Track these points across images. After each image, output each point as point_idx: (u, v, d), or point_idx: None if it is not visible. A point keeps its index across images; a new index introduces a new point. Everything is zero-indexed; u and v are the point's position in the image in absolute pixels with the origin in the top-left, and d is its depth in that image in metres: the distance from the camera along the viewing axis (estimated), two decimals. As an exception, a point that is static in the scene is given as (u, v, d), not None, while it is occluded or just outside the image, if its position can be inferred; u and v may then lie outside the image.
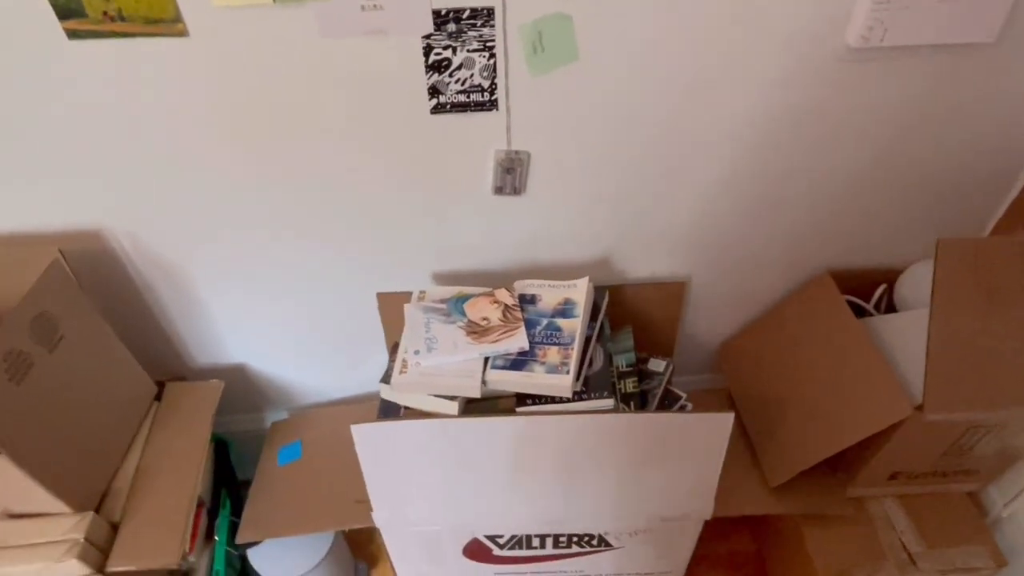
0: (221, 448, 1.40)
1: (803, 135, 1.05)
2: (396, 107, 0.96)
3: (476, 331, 1.04)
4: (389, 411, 1.05)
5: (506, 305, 1.07)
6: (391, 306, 1.23)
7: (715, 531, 1.31)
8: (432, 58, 0.92)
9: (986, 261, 1.05)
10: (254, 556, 1.23)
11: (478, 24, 0.88)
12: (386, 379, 1.03)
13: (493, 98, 0.96)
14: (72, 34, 0.84)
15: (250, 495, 1.28)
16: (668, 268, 1.26)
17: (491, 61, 0.92)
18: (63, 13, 0.82)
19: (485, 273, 1.21)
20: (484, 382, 1.00)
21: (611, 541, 1.19)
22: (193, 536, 1.19)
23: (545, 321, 1.06)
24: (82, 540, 0.97)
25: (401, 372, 1.01)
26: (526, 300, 1.10)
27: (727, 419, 0.99)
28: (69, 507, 0.99)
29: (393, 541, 1.19)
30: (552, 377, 0.98)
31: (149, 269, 1.15)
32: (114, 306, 1.18)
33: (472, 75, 0.94)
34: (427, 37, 0.89)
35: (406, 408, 1.05)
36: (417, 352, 1.01)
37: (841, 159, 1.09)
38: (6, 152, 0.96)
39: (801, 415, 1.20)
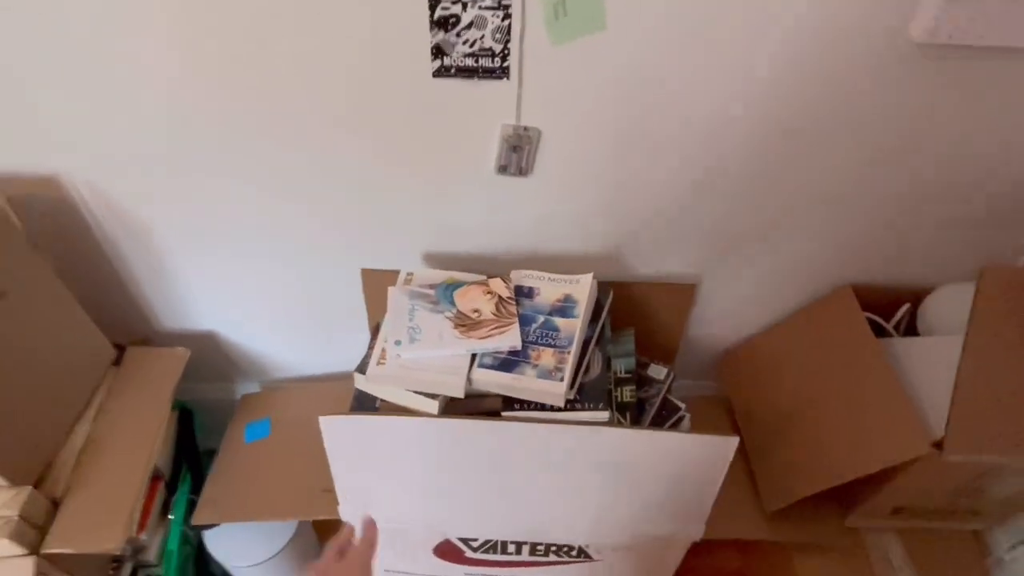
0: (185, 417, 1.31)
1: (838, 137, 0.93)
2: (394, 65, 0.85)
3: (465, 324, 0.94)
4: (363, 403, 0.96)
5: (500, 297, 0.97)
6: (376, 285, 1.13)
7: (700, 546, 1.24)
8: (438, 13, 0.80)
9: (1030, 294, 0.95)
10: (211, 539, 1.16)
11: (494, -23, 0.77)
12: (362, 368, 0.94)
13: (504, 65, 0.85)
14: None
15: (211, 473, 1.20)
16: (678, 267, 1.16)
17: (505, 22, 0.81)
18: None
19: (480, 258, 1.11)
20: (469, 381, 0.91)
21: (591, 554, 1.11)
22: (146, 512, 1.11)
23: (542, 318, 0.96)
24: (16, 517, 0.88)
25: (379, 363, 0.91)
26: (523, 293, 1.00)
27: (730, 444, 0.91)
28: (4, 480, 0.90)
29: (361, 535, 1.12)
30: (544, 383, 0.89)
31: (111, 223, 1.04)
32: (72, 262, 1.07)
33: (483, 36, 0.82)
34: (434, -13, 0.78)
35: (382, 401, 0.95)
36: (398, 342, 0.92)
37: (881, 167, 0.98)
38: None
39: (806, 437, 1.12)
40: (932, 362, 1.08)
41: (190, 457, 1.28)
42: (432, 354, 0.91)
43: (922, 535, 1.18)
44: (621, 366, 1.03)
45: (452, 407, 0.95)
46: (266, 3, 0.79)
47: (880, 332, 1.18)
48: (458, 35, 0.82)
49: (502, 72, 0.86)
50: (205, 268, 1.14)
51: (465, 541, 1.10)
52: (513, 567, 1.16)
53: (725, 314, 1.27)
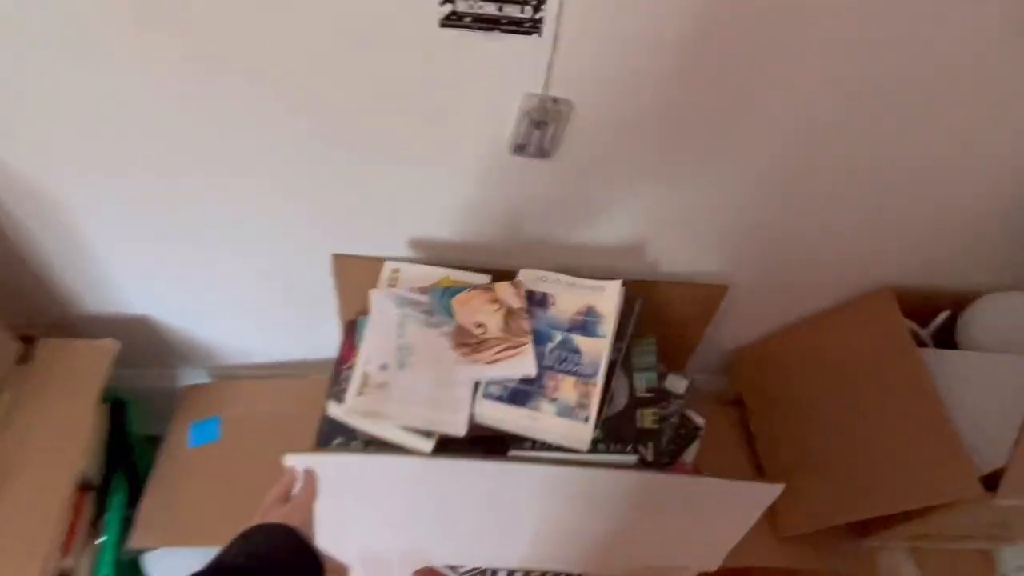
0: (116, 410, 1.10)
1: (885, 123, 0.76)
2: (390, 4, 0.63)
3: (467, 343, 0.76)
4: (332, 433, 0.78)
5: (509, 308, 0.79)
6: (350, 273, 0.94)
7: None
8: (457, -60, 0.58)
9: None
10: (151, 563, 0.99)
11: None
12: (337, 395, 0.76)
13: (537, 16, 0.64)
14: None
15: (149, 484, 1.01)
16: (704, 263, 1.00)
17: (548, -40, 0.59)
18: None
19: (477, 246, 0.91)
20: (472, 415, 0.74)
21: (590, 579, 1.00)
22: (72, 531, 0.94)
23: (559, 336, 0.79)
24: None
25: (360, 392, 0.73)
26: (535, 300, 0.82)
27: (773, 491, 0.78)
28: None
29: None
30: (565, 423, 0.73)
31: (18, 199, 0.81)
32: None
33: (514, -23, 0.61)
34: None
35: (358, 432, 0.78)
36: (385, 367, 0.74)
37: (931, 160, 0.82)
38: None
39: (835, 459, 1.01)
40: (974, 381, 0.97)
41: (123, 458, 1.09)
42: (428, 383, 0.74)
43: (936, 557, 1.11)
44: (642, 382, 0.88)
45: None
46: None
47: (913, 339, 1.06)
48: (481, -27, 0.60)
49: (532, 26, 0.65)
50: (135, 253, 0.92)
51: (451, 567, 0.97)
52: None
53: (746, 310, 1.13)
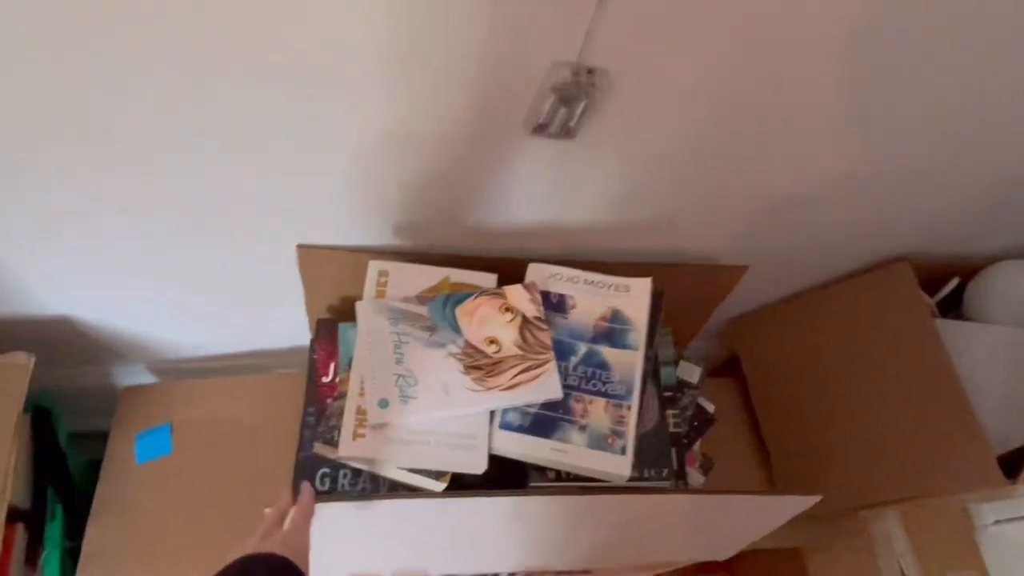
0: (41, 419, 0.94)
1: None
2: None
3: (479, 365, 0.64)
4: (311, 468, 0.66)
5: (525, 318, 0.67)
6: (318, 265, 0.78)
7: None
8: None
9: None
10: (105, 600, 0.86)
11: None
12: (326, 437, 0.63)
13: (579, -34, 0.48)
14: None
15: (94, 511, 0.87)
16: (717, 238, 0.90)
17: None
18: None
19: (476, 230, 0.77)
20: (490, 448, 0.64)
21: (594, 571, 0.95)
22: (3, 570, 0.80)
23: (583, 348, 0.68)
24: None
25: (355, 436, 0.61)
26: (551, 304, 0.70)
27: (808, 502, 0.73)
28: None
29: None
30: (599, 456, 0.63)
31: None
32: None
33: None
34: None
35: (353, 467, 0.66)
36: (384, 403, 0.61)
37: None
38: None
39: (845, 438, 0.97)
40: (984, 354, 0.94)
41: (56, 475, 0.94)
42: (436, 420, 0.62)
43: (922, 516, 1.12)
44: (664, 380, 0.80)
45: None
46: None
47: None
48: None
49: (573, -22, 0.49)
50: (46, 253, 0.73)
51: (449, 576, 0.90)
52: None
53: (752, 280, 1.05)
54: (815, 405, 1.02)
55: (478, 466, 0.62)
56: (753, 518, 0.75)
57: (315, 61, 0.53)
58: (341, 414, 0.62)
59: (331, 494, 0.68)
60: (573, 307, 0.70)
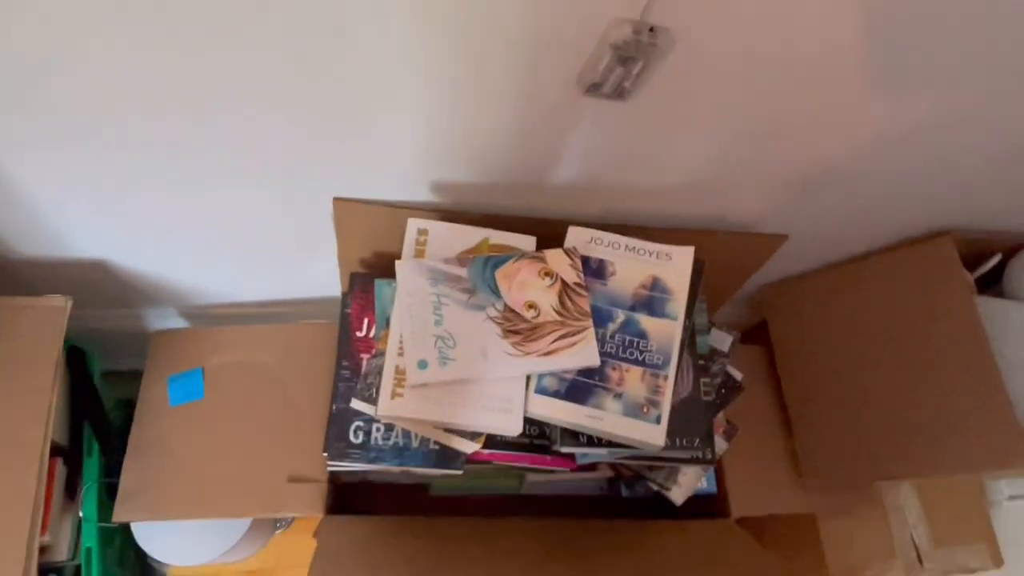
0: (76, 359, 0.96)
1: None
2: None
3: (518, 330, 0.64)
4: (345, 420, 0.67)
5: (564, 283, 0.66)
6: (354, 219, 0.77)
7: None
8: None
9: None
10: (141, 533, 0.90)
11: None
12: (364, 395, 0.63)
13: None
14: None
15: (129, 451, 0.89)
16: (753, 203, 0.87)
17: None
18: None
19: (517, 190, 0.75)
20: (525, 412, 0.64)
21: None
22: (47, 506, 0.84)
23: (621, 316, 0.67)
24: None
25: (394, 395, 0.61)
26: (590, 270, 0.69)
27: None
28: None
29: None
30: (633, 424, 0.63)
31: None
32: None
33: None
34: None
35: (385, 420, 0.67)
36: (423, 364, 0.61)
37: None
38: None
39: (873, 411, 0.97)
40: (1021, 333, 0.92)
41: (92, 413, 0.96)
42: (474, 382, 0.62)
43: (938, 488, 1.13)
44: (699, 349, 0.79)
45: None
46: None
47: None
48: None
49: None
50: (78, 193, 0.72)
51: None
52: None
53: (788, 247, 1.03)
54: (842, 376, 1.01)
55: (513, 429, 0.62)
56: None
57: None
58: (379, 372, 0.63)
59: (364, 448, 0.69)
60: (613, 274, 0.69)
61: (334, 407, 0.71)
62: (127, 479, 0.87)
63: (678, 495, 0.83)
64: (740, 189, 0.81)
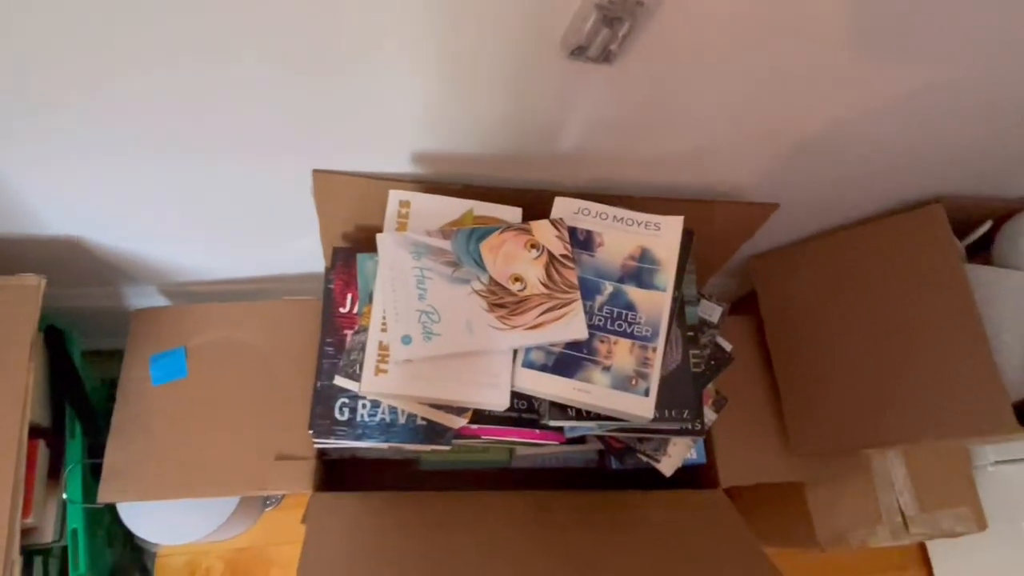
0: (54, 339, 0.94)
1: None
2: None
3: (503, 303, 0.63)
4: (331, 397, 0.66)
5: (551, 255, 0.65)
6: (334, 192, 0.75)
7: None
8: None
9: None
10: (129, 514, 0.89)
11: None
12: (348, 371, 0.62)
13: None
14: None
15: (113, 431, 0.88)
16: (744, 173, 0.86)
17: None
18: None
19: (502, 159, 0.73)
20: (512, 386, 0.63)
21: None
22: (28, 488, 0.82)
23: (609, 288, 0.66)
24: None
25: (378, 371, 0.60)
26: (578, 241, 0.68)
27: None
28: None
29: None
30: (621, 397, 0.63)
31: None
32: None
33: None
34: None
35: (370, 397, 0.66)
36: (407, 339, 0.59)
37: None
38: None
39: (861, 378, 0.97)
40: (1010, 301, 0.93)
41: (74, 394, 0.94)
42: (459, 357, 0.61)
43: (923, 453, 1.15)
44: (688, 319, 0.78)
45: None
46: None
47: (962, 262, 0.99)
48: None
49: None
50: (50, 174, 0.69)
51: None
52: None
53: (779, 216, 1.02)
54: (831, 345, 1.01)
55: (500, 403, 0.62)
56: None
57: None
58: (362, 348, 0.61)
59: (350, 424, 0.68)
60: (600, 245, 0.67)
61: (318, 384, 0.69)
62: (111, 460, 0.86)
63: (667, 466, 0.83)
64: (730, 157, 0.80)
